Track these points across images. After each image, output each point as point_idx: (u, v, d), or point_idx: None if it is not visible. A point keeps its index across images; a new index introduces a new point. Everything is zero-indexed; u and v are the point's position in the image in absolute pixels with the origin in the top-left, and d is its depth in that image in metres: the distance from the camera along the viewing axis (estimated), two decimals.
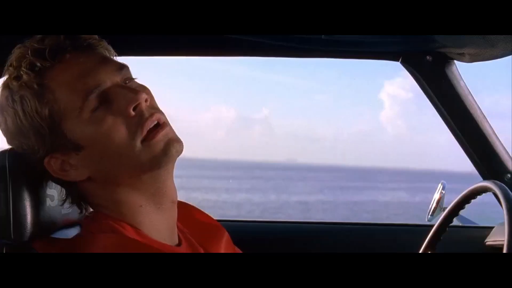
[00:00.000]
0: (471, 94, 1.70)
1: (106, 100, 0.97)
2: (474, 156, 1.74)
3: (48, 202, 1.10)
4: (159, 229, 1.03)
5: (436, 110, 1.73)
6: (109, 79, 0.98)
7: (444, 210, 1.56)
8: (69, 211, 1.15)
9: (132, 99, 0.96)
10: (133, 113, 0.96)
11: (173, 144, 0.98)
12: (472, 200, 1.44)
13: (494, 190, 1.27)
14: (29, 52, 0.97)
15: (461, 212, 1.50)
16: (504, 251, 1.13)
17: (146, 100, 0.98)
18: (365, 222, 1.99)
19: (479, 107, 1.71)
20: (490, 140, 1.71)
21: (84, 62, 0.99)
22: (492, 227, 1.83)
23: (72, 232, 1.08)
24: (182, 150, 1.00)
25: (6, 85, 1.01)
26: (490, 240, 1.78)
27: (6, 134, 1.03)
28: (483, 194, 1.37)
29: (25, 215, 1.04)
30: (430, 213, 1.92)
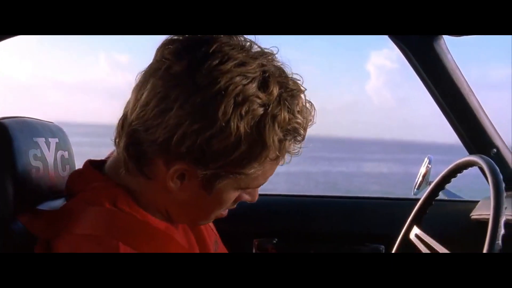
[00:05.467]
0: (459, 68, 1.69)
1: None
2: (460, 130, 1.75)
3: (34, 174, 1.09)
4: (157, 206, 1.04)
5: (423, 84, 1.73)
6: None
7: (430, 184, 1.57)
8: (55, 182, 1.14)
9: (250, 199, 1.09)
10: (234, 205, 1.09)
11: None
12: (458, 174, 1.45)
13: (480, 164, 1.27)
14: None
15: (447, 186, 1.51)
16: (490, 224, 1.14)
17: None
18: (351, 195, 1.98)
19: (466, 81, 1.70)
20: (476, 114, 1.72)
21: None
22: (477, 201, 1.84)
23: (58, 204, 1.07)
24: None
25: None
26: (476, 214, 1.79)
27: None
28: (469, 168, 1.38)
29: (8, 187, 1.04)
30: (416, 187, 1.93)
